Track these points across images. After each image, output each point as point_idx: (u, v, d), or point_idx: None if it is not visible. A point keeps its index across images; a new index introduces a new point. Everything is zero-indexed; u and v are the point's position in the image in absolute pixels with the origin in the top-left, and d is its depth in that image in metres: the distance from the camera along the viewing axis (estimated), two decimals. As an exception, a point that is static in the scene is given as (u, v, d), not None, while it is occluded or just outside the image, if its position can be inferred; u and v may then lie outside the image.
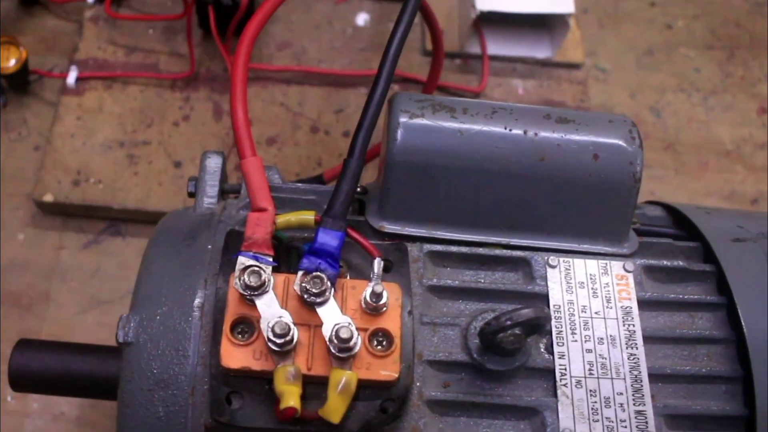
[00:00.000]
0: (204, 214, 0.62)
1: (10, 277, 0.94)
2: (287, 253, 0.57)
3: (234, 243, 0.56)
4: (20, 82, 1.04)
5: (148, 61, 1.07)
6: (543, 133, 0.59)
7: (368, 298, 0.53)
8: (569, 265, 0.59)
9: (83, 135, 1.00)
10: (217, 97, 1.04)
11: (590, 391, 0.55)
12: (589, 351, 0.56)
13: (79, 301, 0.93)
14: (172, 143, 1.00)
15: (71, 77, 1.04)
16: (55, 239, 0.97)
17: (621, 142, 0.59)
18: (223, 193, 0.65)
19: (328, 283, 0.52)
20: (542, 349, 0.57)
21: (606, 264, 0.60)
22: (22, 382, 0.65)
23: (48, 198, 0.96)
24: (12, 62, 1.00)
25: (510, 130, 0.59)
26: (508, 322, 0.51)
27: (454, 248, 0.59)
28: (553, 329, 0.57)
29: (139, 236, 0.97)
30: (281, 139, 1.02)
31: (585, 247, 0.60)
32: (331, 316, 0.52)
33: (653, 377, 0.56)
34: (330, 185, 0.61)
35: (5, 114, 1.04)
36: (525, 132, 0.59)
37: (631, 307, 0.58)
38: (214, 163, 0.65)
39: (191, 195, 0.65)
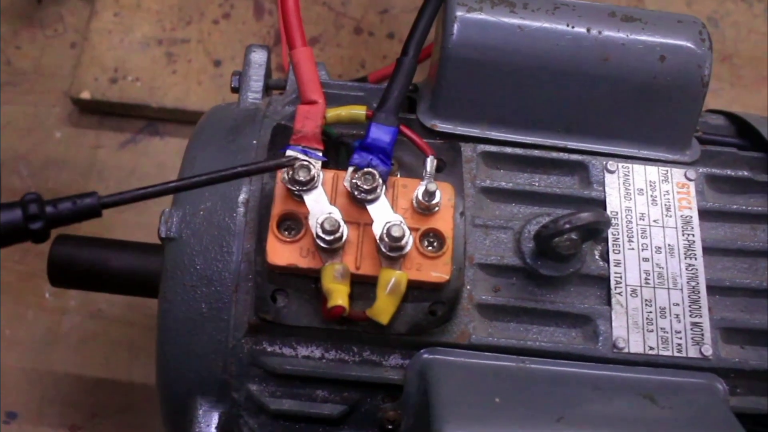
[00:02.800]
0: (248, 109, 0.60)
1: (47, 174, 0.93)
2: (336, 149, 0.55)
3: (281, 137, 0.54)
4: (56, -24, 1.01)
5: (187, -44, 1.03)
6: (607, 32, 0.56)
7: (420, 197, 0.51)
8: (628, 171, 0.57)
9: (121, 32, 0.98)
10: (258, -4, 1.01)
11: (645, 300, 0.53)
12: (646, 260, 0.54)
13: (117, 201, 0.92)
14: (212, 42, 0.98)
15: (108, -29, 1.01)
16: (92, 138, 0.96)
17: (690, 44, 0.56)
18: (268, 89, 0.63)
19: (380, 180, 0.50)
20: (597, 257, 0.55)
21: (667, 171, 0.57)
22: (61, 276, 0.64)
23: (85, 95, 0.94)
24: (48, -46, 0.98)
25: (572, 27, 0.56)
26: (567, 226, 0.49)
27: (508, 149, 0.57)
28: (610, 236, 0.55)
29: (177, 136, 0.95)
30: (324, 40, 0.99)
31: (645, 153, 0.58)
32: (382, 214, 0.50)
33: (711, 289, 0.54)
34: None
35: (41, 10, 1.01)
36: (588, 30, 0.56)
37: (691, 217, 0.56)
38: (258, 56, 0.63)
39: (234, 90, 0.63)
